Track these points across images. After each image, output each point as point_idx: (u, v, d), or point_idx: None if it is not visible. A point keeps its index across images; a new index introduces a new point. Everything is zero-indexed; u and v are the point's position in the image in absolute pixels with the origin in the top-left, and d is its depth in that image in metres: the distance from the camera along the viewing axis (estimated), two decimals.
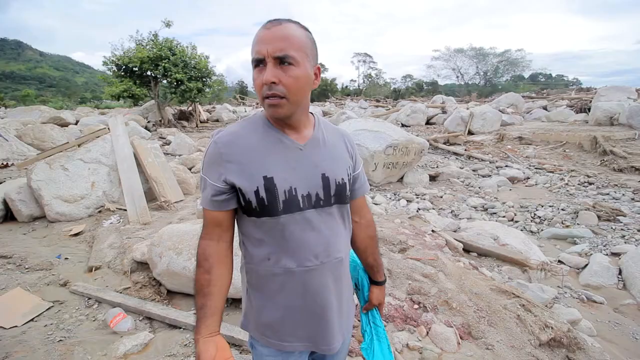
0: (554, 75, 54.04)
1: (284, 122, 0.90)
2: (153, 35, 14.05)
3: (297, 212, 0.89)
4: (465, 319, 2.12)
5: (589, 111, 11.46)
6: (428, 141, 8.11)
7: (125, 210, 4.14)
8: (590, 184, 6.25)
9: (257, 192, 0.86)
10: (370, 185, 6.40)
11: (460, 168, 7.51)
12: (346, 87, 48.33)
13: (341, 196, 0.95)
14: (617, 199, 5.48)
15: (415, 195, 5.95)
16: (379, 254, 1.17)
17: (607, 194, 5.72)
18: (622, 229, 4.39)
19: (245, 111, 19.03)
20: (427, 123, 13.23)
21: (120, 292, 2.66)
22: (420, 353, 1.94)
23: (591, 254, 3.75)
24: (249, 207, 0.89)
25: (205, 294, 0.90)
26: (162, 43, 13.71)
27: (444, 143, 9.51)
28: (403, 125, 12.35)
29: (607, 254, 3.76)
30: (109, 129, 5.11)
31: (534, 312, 2.18)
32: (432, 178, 6.88)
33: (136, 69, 13.43)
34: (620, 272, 3.38)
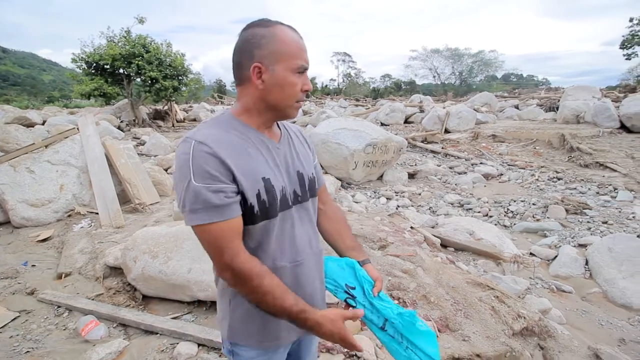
0: (525, 75, 56.35)
1: (267, 124, 0.90)
2: (125, 31, 13.54)
3: (287, 210, 0.91)
4: (442, 312, 2.18)
5: (557, 110, 12.02)
6: (406, 140, 8.25)
7: (97, 213, 3.97)
8: (559, 179, 6.56)
9: (258, 195, 0.83)
10: (351, 183, 6.44)
11: (438, 166, 7.70)
12: (326, 86, 48.42)
13: (313, 190, 0.99)
14: (583, 193, 5.78)
15: (395, 193, 6.04)
16: (352, 234, 1.15)
17: (574, 188, 6.02)
18: (588, 222, 4.63)
19: (224, 110, 18.68)
20: (406, 122, 13.46)
21: (93, 299, 2.55)
22: None
23: (560, 246, 3.94)
24: (248, 214, 0.84)
25: (286, 288, 0.84)
26: (135, 40, 13.25)
27: (422, 141, 9.71)
28: (382, 124, 12.51)
29: (574, 246, 3.95)
30: (78, 129, 4.89)
31: (507, 303, 2.26)
32: (411, 176, 7.02)
33: (108, 66, 12.90)
34: (587, 263, 3.57)
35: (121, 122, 13.28)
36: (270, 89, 0.84)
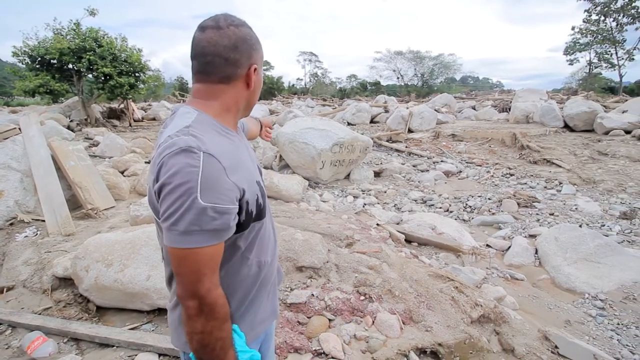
0: (481, 78, 59.84)
1: (236, 122, 0.91)
2: (74, 24, 12.59)
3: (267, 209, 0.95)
4: (406, 305, 2.24)
5: (510, 111, 12.87)
6: (372, 139, 8.43)
7: (44, 221, 3.66)
8: (512, 175, 7.02)
9: (257, 200, 0.83)
10: (318, 182, 6.47)
11: (402, 164, 7.94)
12: (293, 85, 48.23)
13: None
14: (532, 188, 6.23)
15: (362, 191, 6.15)
16: None
17: (525, 183, 6.48)
18: (537, 214, 5.00)
19: None
20: (372, 122, 13.75)
21: (40, 314, 2.35)
22: (367, 342, 2.00)
23: (513, 237, 4.22)
24: (247, 220, 0.80)
25: (232, 351, 0.79)
26: (85, 33, 12.35)
27: (387, 141, 9.96)
28: (349, 124, 12.68)
29: (525, 237, 4.25)
30: (20, 129, 4.48)
31: (466, 293, 2.38)
32: (377, 174, 7.18)
33: (55, 61, 11.91)
34: (536, 252, 3.85)
35: (71, 121, 12.33)
36: (255, 90, 0.88)
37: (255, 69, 0.84)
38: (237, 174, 0.75)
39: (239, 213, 0.77)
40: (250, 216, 0.81)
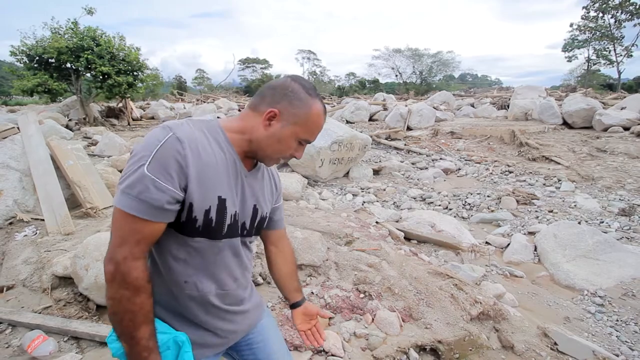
0: (479, 75, 59.79)
1: (247, 153, 0.89)
2: (72, 23, 12.53)
3: (233, 238, 0.90)
4: (406, 302, 2.25)
5: (508, 108, 12.87)
6: (371, 137, 8.43)
7: (43, 220, 3.65)
8: (510, 172, 7.03)
9: (207, 212, 0.80)
10: (317, 181, 6.47)
11: (401, 162, 7.95)
12: None
13: (259, 229, 1.01)
14: (531, 185, 6.24)
15: (361, 189, 6.15)
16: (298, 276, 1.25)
17: (524, 180, 6.49)
18: (536, 211, 5.01)
19: (185, 108, 17.95)
20: (370, 119, 13.74)
21: (40, 313, 2.35)
22: (367, 339, 2.01)
23: (512, 234, 4.23)
24: (188, 225, 0.80)
25: (151, 320, 0.80)
26: (83, 32, 12.29)
27: (386, 138, 9.96)
28: (347, 122, 12.68)
29: (524, 234, 4.26)
30: (18, 128, 4.46)
31: (465, 290, 2.39)
32: (376, 172, 7.18)
33: (52, 60, 11.86)
34: (535, 249, 3.86)
35: (69, 120, 12.30)
36: (271, 137, 0.86)
37: (274, 114, 0.84)
38: (195, 168, 0.77)
39: (181, 210, 0.79)
40: (193, 222, 0.80)
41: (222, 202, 0.82)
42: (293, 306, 1.18)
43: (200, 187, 0.78)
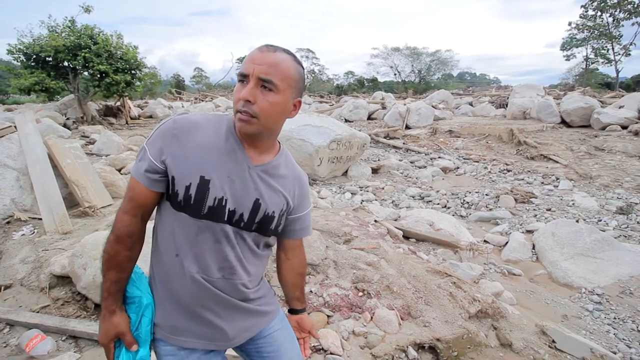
0: (478, 74, 59.76)
1: (248, 138, 0.91)
2: (69, 21, 12.46)
3: (219, 223, 0.90)
4: (405, 301, 2.25)
5: (507, 107, 12.88)
6: (370, 135, 8.43)
7: (41, 219, 3.64)
8: (509, 171, 7.04)
9: (188, 187, 0.86)
10: (316, 180, 6.47)
11: (400, 160, 7.95)
12: None
13: (264, 227, 0.96)
14: (530, 183, 6.26)
15: (359, 187, 6.15)
16: (304, 287, 1.24)
17: (522, 179, 6.50)
18: (534, 209, 5.03)
19: (183, 106, 17.91)
20: (369, 118, 13.74)
21: (37, 312, 2.34)
22: (366, 338, 2.01)
23: (510, 233, 4.24)
24: (173, 198, 0.89)
25: (123, 269, 0.93)
26: (80, 30, 12.23)
27: (385, 137, 9.96)
28: (346, 121, 12.67)
29: (523, 232, 4.27)
30: (15, 127, 4.44)
31: (463, 288, 2.39)
32: (374, 171, 7.18)
33: (50, 59, 11.80)
34: (533, 247, 3.87)
35: (67, 119, 12.24)
36: None
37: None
38: (178, 148, 0.86)
39: (168, 183, 0.89)
40: (176, 196, 0.88)
41: (204, 182, 0.86)
42: (290, 311, 1.23)
43: (182, 163, 0.86)
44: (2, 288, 2.63)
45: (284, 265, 1.16)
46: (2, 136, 4.26)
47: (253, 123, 0.85)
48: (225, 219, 0.90)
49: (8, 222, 3.70)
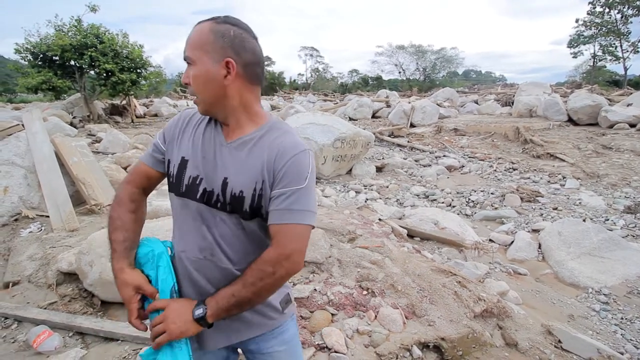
0: (483, 72, 59.35)
1: (216, 118, 0.93)
2: (76, 20, 12.55)
3: (194, 201, 0.91)
4: (409, 299, 2.25)
5: (513, 105, 12.76)
6: (374, 134, 8.40)
7: (48, 216, 3.68)
8: (514, 169, 6.98)
9: (174, 167, 0.94)
10: (320, 178, 6.46)
11: (404, 159, 7.92)
12: (294, 80, 48.05)
13: (237, 208, 0.87)
14: (536, 182, 6.20)
15: (364, 186, 6.14)
16: (237, 293, 0.86)
17: (528, 178, 6.44)
18: (540, 208, 4.98)
19: (187, 105, 17.98)
20: (373, 116, 13.68)
21: (45, 308, 2.37)
22: (370, 336, 2.01)
23: (516, 232, 4.20)
24: (168, 179, 0.97)
25: (128, 229, 0.95)
26: (87, 29, 12.32)
27: (389, 135, 9.92)
28: (350, 119, 12.63)
29: (528, 231, 4.24)
30: (23, 125, 4.49)
31: (468, 287, 2.38)
32: (379, 169, 7.16)
33: (57, 58, 11.89)
34: (539, 246, 3.84)
35: (74, 118, 12.35)
36: None
37: None
38: (178, 131, 0.97)
39: (167, 166, 0.98)
40: (169, 177, 0.96)
41: (183, 162, 0.92)
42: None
43: (173, 146, 0.96)
44: (11, 284, 2.67)
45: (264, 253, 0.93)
46: (10, 134, 4.32)
47: (198, 103, 0.89)
48: (198, 197, 0.90)
49: (16, 220, 3.75)
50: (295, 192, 0.85)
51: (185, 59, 0.86)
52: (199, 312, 0.85)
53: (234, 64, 0.83)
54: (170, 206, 0.99)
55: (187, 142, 0.94)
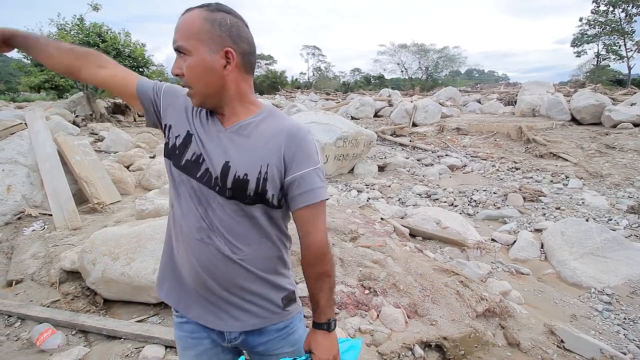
0: (486, 71, 59.18)
1: (210, 109, 0.90)
2: (78, 19, 12.62)
3: (194, 179, 0.88)
4: (411, 299, 2.24)
5: (515, 104, 12.71)
6: (376, 133, 8.39)
7: (51, 215, 3.69)
8: (517, 169, 6.96)
9: (177, 137, 0.91)
10: None
11: (406, 158, 7.90)
12: (296, 79, 48.09)
13: (239, 193, 0.85)
14: (538, 182, 6.18)
15: (365, 185, 6.13)
16: (323, 290, 0.94)
17: (531, 177, 6.42)
18: (543, 208, 4.96)
19: None
20: (375, 115, 13.66)
21: (48, 306, 2.38)
22: (372, 335, 2.01)
23: (518, 232, 4.19)
24: (166, 145, 0.93)
25: (57, 44, 0.98)
26: (89, 28, 12.39)
27: (391, 135, 9.91)
28: (352, 118, 12.62)
29: (531, 231, 4.22)
30: (26, 124, 4.51)
31: (471, 287, 2.37)
32: (381, 168, 7.15)
33: None
34: (542, 246, 3.82)
35: (76, 116, 12.39)
36: None
37: None
38: (182, 102, 0.93)
39: (165, 130, 0.95)
40: (168, 142, 0.92)
41: (188, 136, 0.89)
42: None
43: (180, 116, 0.92)
44: (14, 283, 2.68)
45: (301, 251, 0.94)
46: (13, 133, 4.33)
47: (192, 95, 0.85)
48: (198, 176, 0.87)
49: (19, 218, 3.76)
50: (311, 172, 0.87)
51: (176, 49, 0.81)
52: (332, 327, 0.96)
53: (233, 54, 0.82)
54: (166, 173, 0.95)
55: (193, 119, 0.91)
